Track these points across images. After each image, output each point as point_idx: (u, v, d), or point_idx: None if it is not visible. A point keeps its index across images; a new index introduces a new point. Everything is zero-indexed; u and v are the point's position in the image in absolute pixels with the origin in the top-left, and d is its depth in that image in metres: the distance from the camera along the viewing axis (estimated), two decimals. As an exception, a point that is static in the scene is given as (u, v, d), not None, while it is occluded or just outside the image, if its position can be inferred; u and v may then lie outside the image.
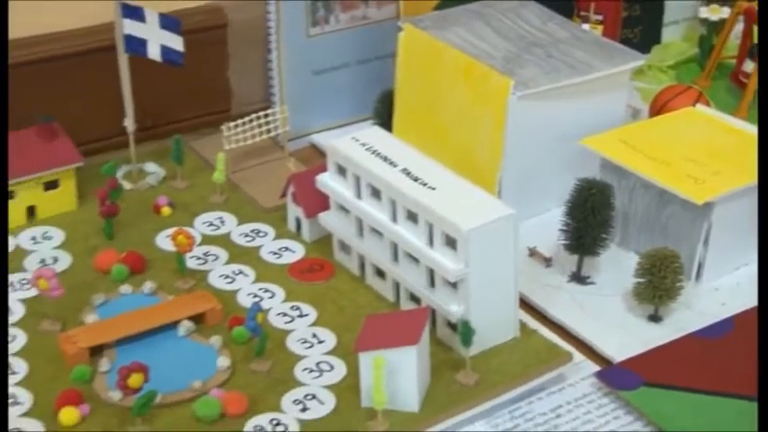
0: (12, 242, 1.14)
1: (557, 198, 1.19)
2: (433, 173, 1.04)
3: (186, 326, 1.03)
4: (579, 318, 1.07)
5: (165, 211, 1.20)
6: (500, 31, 1.24)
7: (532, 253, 1.15)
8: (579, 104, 1.19)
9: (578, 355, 1.03)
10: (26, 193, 1.16)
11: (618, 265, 1.13)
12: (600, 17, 1.36)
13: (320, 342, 1.03)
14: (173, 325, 1.03)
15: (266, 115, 1.28)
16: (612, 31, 1.36)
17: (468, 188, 1.03)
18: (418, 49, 1.23)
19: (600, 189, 1.08)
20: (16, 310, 1.05)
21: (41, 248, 1.14)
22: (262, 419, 0.94)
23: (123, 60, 1.19)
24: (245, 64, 1.34)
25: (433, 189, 1.02)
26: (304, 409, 0.95)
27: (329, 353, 1.02)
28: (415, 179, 1.04)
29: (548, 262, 1.14)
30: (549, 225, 1.16)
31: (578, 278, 1.12)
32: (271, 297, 1.09)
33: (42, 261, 1.11)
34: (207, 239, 1.16)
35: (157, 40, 1.17)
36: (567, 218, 1.10)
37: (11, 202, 1.16)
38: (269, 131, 1.28)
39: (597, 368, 1.02)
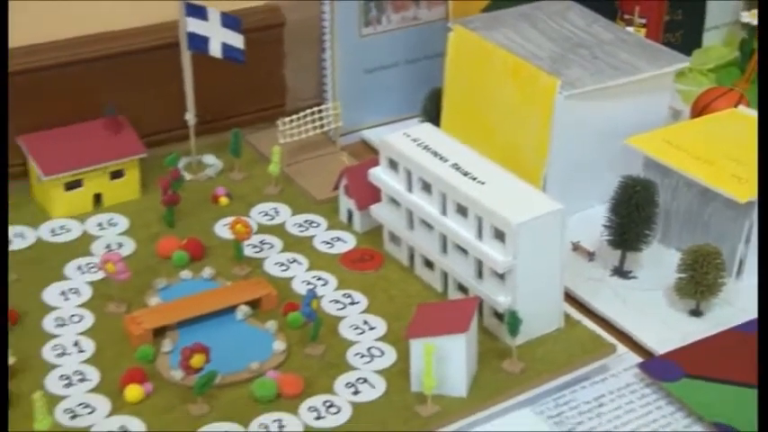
0: (79, 228, 1.16)
1: (599, 195, 1.19)
2: (482, 168, 1.05)
3: (244, 310, 1.04)
4: (621, 311, 1.07)
5: (223, 201, 1.21)
6: (546, 33, 1.24)
7: (576, 247, 1.15)
8: (623, 104, 1.18)
9: (620, 347, 1.02)
10: (93, 182, 1.18)
11: (659, 261, 1.12)
12: (643, 21, 1.35)
13: (371, 329, 1.04)
14: (231, 309, 1.04)
15: (320, 111, 1.29)
16: (655, 34, 1.35)
17: (517, 183, 1.03)
18: (467, 50, 1.23)
19: (644, 186, 1.07)
20: (84, 292, 1.06)
21: (107, 234, 1.15)
22: (316, 401, 0.95)
23: (186, 57, 1.20)
24: (299, 62, 1.34)
25: (483, 184, 1.02)
26: (356, 392, 0.96)
27: (380, 339, 1.02)
28: (465, 174, 1.04)
29: (591, 256, 1.14)
30: (591, 221, 1.16)
31: (621, 273, 1.11)
32: (324, 285, 1.09)
33: (108, 246, 1.13)
34: (262, 229, 1.17)
35: (219, 38, 1.18)
36: (610, 214, 1.10)
37: (79, 191, 1.17)
38: (322, 126, 1.29)
39: (639, 360, 1.01)
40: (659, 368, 0.98)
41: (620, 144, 1.16)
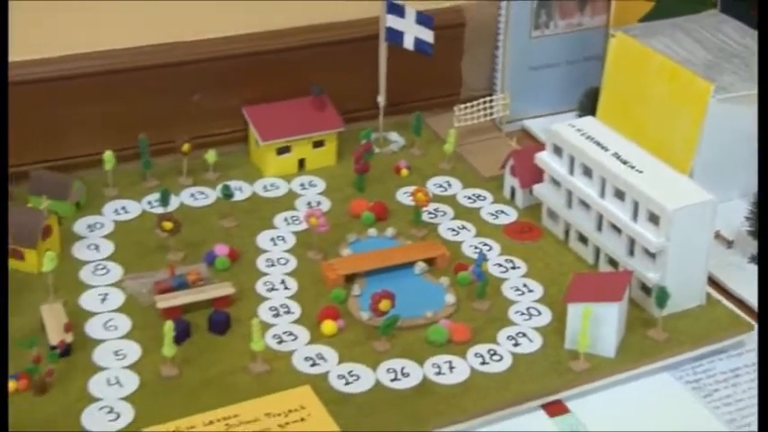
0: (286, 186, 1.17)
1: (739, 189, 1.13)
2: (640, 158, 1.01)
3: (421, 266, 1.04)
4: (757, 294, 1.01)
5: (404, 172, 1.20)
6: (701, 42, 1.18)
7: (716, 235, 1.09)
8: (769, 110, 1.11)
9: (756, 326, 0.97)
10: (299, 149, 1.19)
11: (795, 253, 1.05)
12: (790, 35, 1.26)
13: (530, 291, 1.01)
14: (409, 264, 1.03)
15: (490, 101, 1.26)
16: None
17: (673, 174, 0.98)
18: (627, 54, 1.18)
19: (788, 185, 1.01)
20: (288, 240, 1.08)
21: (308, 193, 1.16)
22: (481, 348, 0.94)
23: (383, 48, 1.20)
24: (475, 57, 1.32)
25: (641, 172, 0.98)
26: (516, 345, 0.94)
27: (537, 301, 1.00)
28: (625, 162, 1.00)
29: (729, 244, 1.08)
30: (731, 212, 1.10)
31: (758, 260, 1.05)
32: (489, 250, 1.08)
33: (309, 203, 1.14)
34: (437, 198, 1.16)
35: (413, 33, 1.17)
36: (754, 207, 1.03)
37: (287, 155, 1.19)
38: (491, 114, 1.27)
39: (773, 339, 0.95)
40: (794, 348, 0.92)
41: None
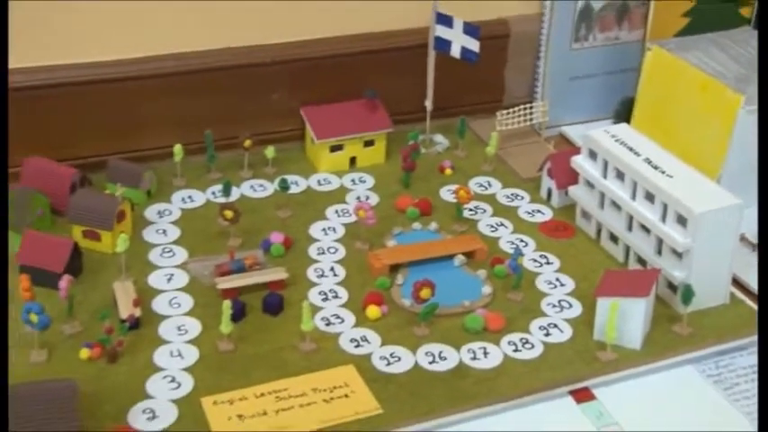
0: (338, 182, 1.19)
1: (766, 197, 1.10)
2: (671, 164, 1.00)
3: (460, 259, 1.04)
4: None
5: (448, 172, 1.21)
6: (733, 56, 1.16)
7: (742, 238, 1.08)
8: (798, 122, 1.09)
9: (777, 326, 0.95)
10: (351, 147, 1.21)
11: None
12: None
13: (562, 285, 1.01)
14: (449, 257, 1.04)
15: (530, 107, 1.26)
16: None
17: (702, 179, 0.97)
18: (662, 66, 1.18)
19: (813, 193, 0.99)
20: (338, 231, 1.10)
21: (358, 188, 1.18)
22: (514, 337, 0.94)
23: (431, 56, 1.21)
24: (517, 66, 1.32)
25: (671, 177, 0.98)
26: (547, 334, 0.94)
27: (569, 294, 1.00)
28: (656, 167, 1.00)
29: (754, 247, 1.07)
30: (756, 217, 1.08)
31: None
32: (524, 246, 1.08)
33: (358, 198, 1.16)
34: (477, 197, 1.16)
35: (459, 42, 1.17)
36: (779, 213, 1.02)
37: (340, 153, 1.20)
38: (530, 120, 1.27)
39: (794, 338, 0.94)
40: (814, 348, 0.90)
41: (792, 155, 1.07)
